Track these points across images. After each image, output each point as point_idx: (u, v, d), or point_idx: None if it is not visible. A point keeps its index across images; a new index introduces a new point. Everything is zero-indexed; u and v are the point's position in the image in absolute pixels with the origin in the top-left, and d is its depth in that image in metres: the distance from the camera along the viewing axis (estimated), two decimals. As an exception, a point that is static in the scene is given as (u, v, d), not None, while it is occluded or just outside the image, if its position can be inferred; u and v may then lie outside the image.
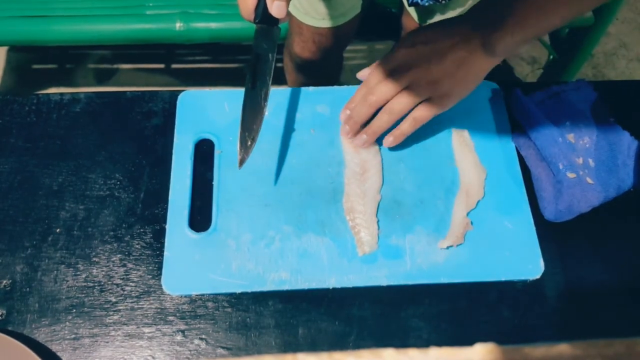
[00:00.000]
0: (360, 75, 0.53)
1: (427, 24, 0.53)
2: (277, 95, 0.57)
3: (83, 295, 0.48)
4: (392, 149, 0.53)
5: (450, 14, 0.77)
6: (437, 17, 0.79)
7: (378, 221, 0.50)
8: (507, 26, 0.46)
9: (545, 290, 0.49)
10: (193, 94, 0.57)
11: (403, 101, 0.49)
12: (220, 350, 0.46)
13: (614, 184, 0.52)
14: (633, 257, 0.51)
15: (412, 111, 0.50)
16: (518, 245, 0.50)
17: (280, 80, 1.16)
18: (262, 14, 0.44)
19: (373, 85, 0.50)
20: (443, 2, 0.67)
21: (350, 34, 0.91)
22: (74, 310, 0.47)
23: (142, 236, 0.51)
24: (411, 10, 0.83)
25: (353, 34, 0.92)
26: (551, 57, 1.32)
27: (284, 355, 0.23)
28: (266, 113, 0.47)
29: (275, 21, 0.45)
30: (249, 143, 0.47)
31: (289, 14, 0.74)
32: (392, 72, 0.49)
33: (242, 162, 0.48)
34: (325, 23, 0.82)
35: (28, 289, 0.48)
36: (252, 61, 0.47)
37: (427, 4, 0.67)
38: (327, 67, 1.01)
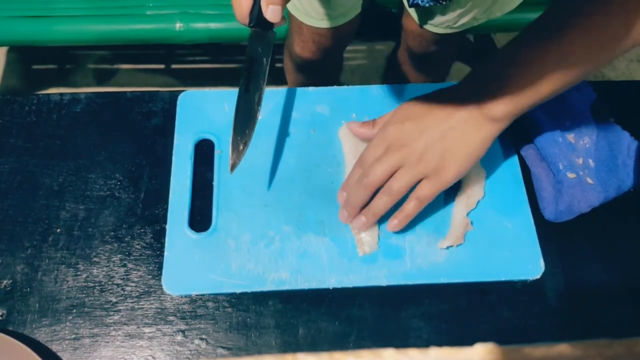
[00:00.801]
0: (351, 128, 0.53)
1: (418, 97, 0.49)
2: (277, 95, 0.57)
3: (83, 295, 0.48)
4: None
5: (451, 15, 0.77)
6: (438, 18, 0.79)
7: (378, 221, 0.50)
8: (504, 96, 0.44)
9: (545, 290, 0.49)
10: (193, 94, 0.57)
11: (400, 181, 0.47)
12: (220, 350, 0.46)
13: (614, 184, 0.52)
14: (633, 257, 0.51)
15: (413, 190, 0.48)
16: (518, 245, 0.50)
17: (280, 80, 1.16)
18: (256, 17, 0.44)
19: (367, 166, 0.48)
20: (443, 3, 0.67)
21: (350, 34, 0.91)
22: (75, 311, 0.47)
23: (142, 236, 0.51)
24: (411, 11, 0.83)
25: (353, 34, 0.92)
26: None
27: (284, 355, 0.23)
28: (260, 117, 0.47)
29: (270, 25, 0.45)
30: (241, 147, 0.47)
31: (289, 15, 0.74)
32: (385, 151, 0.48)
33: (233, 166, 0.48)
34: (325, 23, 0.82)
35: (28, 289, 0.48)
36: (246, 65, 0.47)
37: (427, 5, 0.67)
38: (327, 67, 1.01)
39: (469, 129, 0.46)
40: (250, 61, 0.46)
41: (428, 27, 0.83)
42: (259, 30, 0.45)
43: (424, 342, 0.47)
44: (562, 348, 0.22)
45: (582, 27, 0.42)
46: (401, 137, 0.47)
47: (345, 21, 0.83)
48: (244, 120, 0.47)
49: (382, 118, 0.51)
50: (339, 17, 0.82)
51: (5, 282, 0.48)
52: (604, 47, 0.42)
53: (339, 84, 0.66)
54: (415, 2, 0.67)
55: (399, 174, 0.47)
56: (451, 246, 0.49)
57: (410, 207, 0.48)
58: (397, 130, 0.47)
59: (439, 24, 0.81)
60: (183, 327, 0.47)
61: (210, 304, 0.48)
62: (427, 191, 0.47)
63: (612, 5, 0.41)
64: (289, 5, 0.83)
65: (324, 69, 0.99)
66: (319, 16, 0.81)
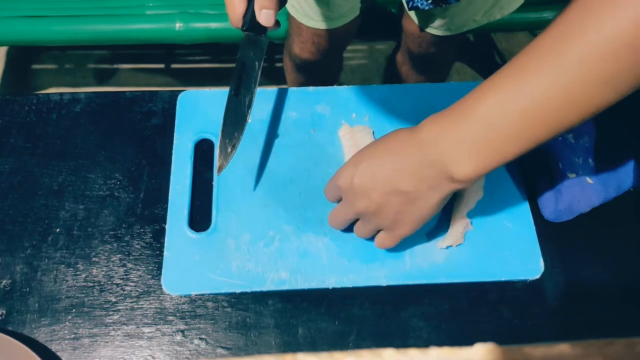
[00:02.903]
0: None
1: (379, 138, 0.44)
2: (277, 96, 0.57)
3: (83, 295, 0.48)
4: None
5: (450, 17, 0.77)
6: (437, 21, 0.79)
7: None
8: (470, 155, 0.37)
9: (545, 290, 0.49)
10: (193, 94, 0.57)
11: (360, 231, 0.46)
12: (220, 350, 0.46)
13: (613, 184, 0.52)
14: (633, 257, 0.51)
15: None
16: (518, 245, 0.50)
17: (280, 80, 1.16)
18: (250, 21, 0.44)
19: (331, 203, 0.48)
20: (443, 5, 0.67)
21: (349, 35, 0.91)
22: (74, 310, 0.47)
23: (142, 236, 0.50)
24: (411, 14, 0.83)
25: (353, 36, 0.92)
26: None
27: (283, 355, 0.23)
28: (249, 120, 0.47)
29: (263, 29, 0.45)
30: (229, 150, 0.47)
31: (288, 16, 0.74)
32: (344, 199, 0.45)
33: (220, 168, 0.48)
34: (324, 24, 0.82)
35: (28, 288, 0.48)
36: (237, 68, 0.46)
37: (427, 8, 0.67)
38: (326, 68, 1.02)
39: (422, 190, 0.40)
40: (242, 65, 0.46)
41: (428, 29, 0.83)
42: (252, 34, 0.46)
43: (424, 342, 0.47)
44: (562, 348, 0.22)
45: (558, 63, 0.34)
46: (352, 188, 0.43)
47: (344, 23, 0.83)
48: (233, 123, 0.47)
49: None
50: (338, 19, 0.82)
51: (4, 282, 0.48)
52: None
53: (339, 84, 0.66)
54: (414, 4, 0.67)
55: (359, 225, 0.46)
56: (451, 246, 0.49)
57: (380, 246, 0.47)
58: (349, 180, 0.43)
59: (438, 26, 0.81)
60: (182, 327, 0.47)
61: (209, 303, 0.48)
62: (387, 241, 0.46)
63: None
64: (288, 6, 0.83)
65: (323, 69, 0.99)
66: (318, 17, 0.81)
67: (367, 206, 0.43)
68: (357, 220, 0.47)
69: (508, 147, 0.36)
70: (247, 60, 0.46)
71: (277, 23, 0.46)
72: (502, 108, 0.35)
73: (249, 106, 0.46)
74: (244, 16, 0.44)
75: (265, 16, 0.43)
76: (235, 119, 0.47)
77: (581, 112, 0.35)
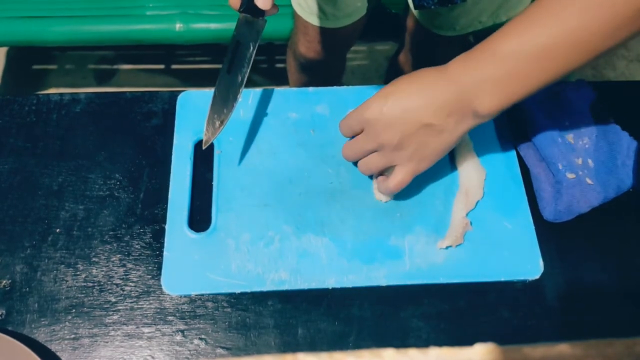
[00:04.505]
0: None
1: (404, 76, 0.46)
2: (277, 95, 0.57)
3: (83, 295, 0.48)
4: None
5: (456, 18, 0.77)
6: (443, 21, 0.79)
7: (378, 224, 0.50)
8: (494, 88, 0.42)
9: (545, 290, 0.49)
10: (193, 94, 0.57)
11: (374, 165, 0.48)
12: (219, 350, 0.46)
13: (613, 185, 0.52)
14: (633, 257, 0.51)
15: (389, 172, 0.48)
16: (517, 246, 0.50)
17: (280, 80, 1.16)
18: (247, 3, 0.44)
19: (347, 137, 0.50)
20: (449, 5, 0.67)
21: (355, 34, 0.91)
22: (74, 310, 0.47)
23: (141, 236, 0.50)
24: (417, 13, 0.83)
25: (358, 35, 0.92)
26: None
27: (283, 355, 0.23)
28: (240, 99, 0.48)
29: (260, 12, 0.45)
30: (217, 125, 0.48)
31: (294, 14, 0.73)
32: (364, 132, 0.47)
33: (206, 142, 0.48)
34: (331, 23, 0.82)
35: (28, 289, 0.48)
36: (231, 47, 0.47)
37: (433, 7, 0.67)
38: (331, 68, 1.01)
39: (449, 123, 0.44)
40: (236, 44, 0.47)
41: (432, 29, 0.83)
42: (249, 16, 0.46)
43: (423, 342, 0.47)
44: (562, 348, 0.22)
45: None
46: (381, 119, 0.45)
47: (351, 22, 0.83)
48: (223, 99, 0.47)
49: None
50: (345, 18, 0.82)
51: (4, 282, 0.48)
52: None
53: (341, 84, 0.66)
54: (420, 3, 0.67)
55: (373, 158, 0.48)
56: (450, 246, 0.49)
57: (388, 188, 0.48)
58: (377, 111, 0.45)
59: (443, 27, 0.81)
60: (182, 327, 0.47)
61: (209, 304, 0.48)
62: (402, 176, 0.47)
63: None
64: (294, 5, 0.83)
65: (327, 69, 0.99)
66: (325, 16, 0.81)
67: (392, 137, 0.45)
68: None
69: (525, 84, 0.41)
70: (242, 40, 0.47)
71: (274, 7, 0.46)
72: (520, 51, 0.40)
73: (241, 85, 0.47)
74: None
75: None
76: (225, 96, 0.47)
77: (588, 55, 0.40)
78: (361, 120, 0.46)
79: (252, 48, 0.47)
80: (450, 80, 0.43)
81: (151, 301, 0.48)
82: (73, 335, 0.46)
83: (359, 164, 0.49)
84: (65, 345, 0.46)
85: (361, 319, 0.48)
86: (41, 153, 0.54)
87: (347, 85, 0.58)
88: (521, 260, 0.49)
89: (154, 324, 0.47)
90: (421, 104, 0.44)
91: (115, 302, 0.48)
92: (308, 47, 0.89)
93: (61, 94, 0.58)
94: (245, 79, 0.47)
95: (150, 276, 0.49)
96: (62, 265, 0.49)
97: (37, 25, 1.13)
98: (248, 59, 0.47)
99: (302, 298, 0.48)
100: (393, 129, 0.44)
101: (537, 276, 0.49)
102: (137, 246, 0.50)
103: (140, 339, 0.46)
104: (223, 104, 0.47)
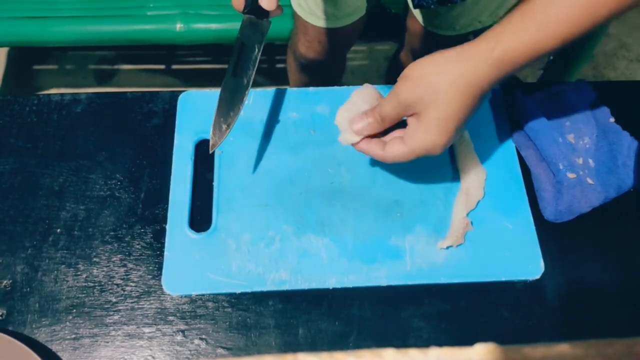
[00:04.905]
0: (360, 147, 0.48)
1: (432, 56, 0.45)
2: (277, 95, 0.57)
3: (83, 295, 0.48)
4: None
5: (456, 17, 0.77)
6: (443, 20, 0.79)
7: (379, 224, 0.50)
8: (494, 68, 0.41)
9: (545, 290, 0.49)
10: (193, 94, 0.57)
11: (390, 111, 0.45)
12: (220, 350, 0.46)
13: (614, 184, 0.52)
14: (633, 257, 0.51)
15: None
16: (518, 246, 0.50)
17: (280, 80, 1.16)
18: (251, 4, 0.44)
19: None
20: (449, 5, 0.67)
21: (355, 34, 0.91)
22: (74, 310, 0.47)
23: (142, 236, 0.51)
24: (416, 13, 0.83)
25: (358, 35, 0.92)
26: (551, 57, 1.32)
27: (284, 355, 0.23)
28: (246, 101, 0.47)
29: (265, 13, 0.45)
30: (224, 128, 0.47)
31: (294, 15, 0.73)
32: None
33: (213, 146, 0.48)
34: (331, 23, 0.82)
35: (28, 289, 0.48)
36: (236, 49, 0.46)
37: (432, 6, 0.67)
38: (331, 68, 1.01)
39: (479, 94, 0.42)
40: (241, 46, 0.46)
41: (432, 28, 0.83)
42: (253, 17, 0.45)
43: (424, 342, 0.47)
44: (562, 348, 0.22)
45: None
46: (414, 103, 0.43)
47: (351, 22, 0.83)
48: (229, 102, 0.47)
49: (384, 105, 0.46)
50: (345, 18, 0.82)
51: (5, 282, 0.48)
52: None
53: (341, 84, 0.66)
54: (420, 2, 0.67)
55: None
56: (451, 246, 0.49)
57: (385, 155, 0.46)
58: (412, 94, 0.43)
59: (443, 26, 0.81)
60: (183, 327, 0.47)
61: (210, 304, 0.48)
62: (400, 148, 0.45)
63: None
64: (294, 5, 0.83)
65: (327, 69, 0.99)
66: (325, 16, 0.81)
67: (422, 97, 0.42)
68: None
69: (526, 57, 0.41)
70: (247, 42, 0.46)
71: (279, 7, 0.45)
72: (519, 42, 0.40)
73: (247, 87, 0.46)
74: None
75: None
76: (231, 99, 0.47)
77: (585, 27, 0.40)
78: (400, 99, 0.44)
79: (257, 50, 0.46)
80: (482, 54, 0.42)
81: (152, 301, 0.48)
82: (74, 335, 0.46)
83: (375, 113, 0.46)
84: (65, 345, 0.46)
85: (362, 319, 0.48)
86: (42, 153, 0.54)
87: (347, 84, 0.58)
88: (522, 260, 0.49)
89: (155, 324, 0.47)
90: (454, 79, 0.42)
91: (116, 302, 0.48)
92: (308, 47, 0.89)
93: (62, 94, 0.58)
94: (251, 81, 0.46)
95: (150, 276, 0.49)
96: (63, 266, 0.49)
97: (38, 25, 1.13)
98: (253, 61, 0.46)
99: (302, 298, 0.48)
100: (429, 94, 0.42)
101: (537, 276, 0.49)
102: (137, 246, 0.50)
103: (141, 339, 0.46)
104: (229, 107, 0.47)
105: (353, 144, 0.47)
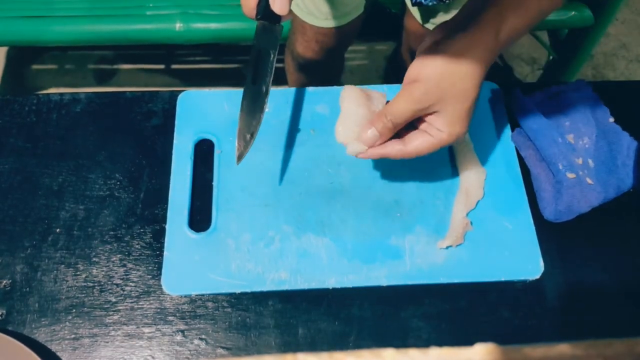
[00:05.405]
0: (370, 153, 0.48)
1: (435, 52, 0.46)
2: (277, 95, 0.57)
3: (83, 295, 0.48)
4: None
5: (454, 14, 0.77)
6: (441, 18, 0.79)
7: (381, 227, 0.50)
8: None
9: (545, 290, 0.49)
10: (193, 94, 0.57)
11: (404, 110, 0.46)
12: (220, 350, 0.46)
13: (613, 185, 0.52)
14: (633, 257, 0.51)
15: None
16: (518, 246, 0.50)
17: (280, 80, 1.15)
18: (263, 10, 0.44)
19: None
20: (447, 1, 0.67)
21: (353, 34, 0.91)
22: (74, 310, 0.47)
23: (142, 236, 0.50)
24: (414, 11, 0.83)
25: (356, 34, 0.92)
26: (551, 57, 1.32)
27: (284, 355, 0.23)
28: (267, 109, 0.47)
29: (277, 18, 0.45)
30: (249, 138, 0.47)
31: (291, 12, 0.73)
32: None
33: (240, 157, 0.47)
34: (328, 23, 0.82)
35: (28, 288, 0.48)
36: (253, 57, 0.46)
37: (430, 4, 0.67)
38: (329, 67, 1.01)
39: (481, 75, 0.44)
40: (257, 54, 0.46)
41: (430, 27, 0.83)
42: (266, 23, 0.45)
43: (424, 342, 0.47)
44: (562, 348, 0.22)
45: None
46: (433, 104, 0.44)
47: (348, 21, 0.83)
48: (251, 111, 0.47)
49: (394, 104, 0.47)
50: (342, 17, 0.82)
51: (5, 281, 0.48)
52: None
53: (340, 84, 0.66)
54: (418, 0, 0.67)
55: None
56: (451, 246, 0.49)
57: (399, 151, 0.47)
58: (431, 96, 0.44)
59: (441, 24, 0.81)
60: (182, 327, 0.47)
61: (209, 304, 0.48)
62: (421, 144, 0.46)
63: None
64: (291, 5, 0.83)
65: (326, 69, 0.99)
66: (322, 16, 0.81)
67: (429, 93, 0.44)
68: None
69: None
70: (263, 49, 0.46)
71: (290, 12, 0.45)
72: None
73: (266, 95, 0.46)
74: (258, 5, 0.44)
75: (280, 4, 0.43)
76: (252, 107, 0.47)
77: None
78: (417, 99, 0.44)
79: (272, 56, 0.46)
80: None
81: (151, 301, 0.48)
82: (73, 335, 0.46)
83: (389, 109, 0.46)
84: (65, 345, 0.46)
85: (361, 319, 0.48)
86: (41, 153, 0.54)
87: (347, 84, 0.58)
88: (521, 260, 0.49)
89: (154, 324, 0.47)
90: (462, 74, 0.44)
91: (116, 302, 0.48)
92: (306, 46, 0.89)
93: (61, 94, 0.58)
94: (270, 88, 0.46)
95: (150, 276, 0.49)
96: (63, 265, 0.49)
97: (37, 25, 1.12)
98: (270, 68, 0.46)
99: (302, 298, 0.48)
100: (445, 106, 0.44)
101: (537, 276, 0.49)
102: (137, 246, 0.50)
103: (141, 339, 0.46)
104: (251, 116, 0.47)
105: (360, 153, 0.47)
